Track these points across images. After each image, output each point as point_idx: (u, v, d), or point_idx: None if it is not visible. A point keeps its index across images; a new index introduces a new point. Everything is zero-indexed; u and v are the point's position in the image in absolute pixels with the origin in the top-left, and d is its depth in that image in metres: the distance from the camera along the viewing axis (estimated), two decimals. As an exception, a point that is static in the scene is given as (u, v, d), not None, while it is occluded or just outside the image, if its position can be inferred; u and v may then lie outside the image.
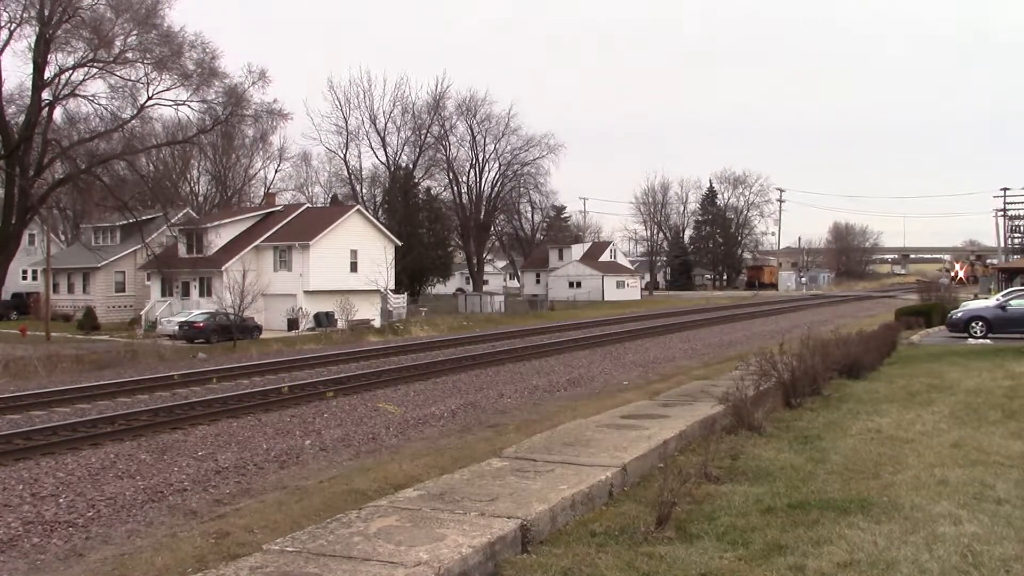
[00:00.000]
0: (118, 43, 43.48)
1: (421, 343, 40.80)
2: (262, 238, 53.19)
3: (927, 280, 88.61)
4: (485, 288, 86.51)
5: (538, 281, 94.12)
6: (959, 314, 29.29)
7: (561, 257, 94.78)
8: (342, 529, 6.02)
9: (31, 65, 42.55)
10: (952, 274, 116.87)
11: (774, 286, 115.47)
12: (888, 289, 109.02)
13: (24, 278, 67.52)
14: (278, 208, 59.22)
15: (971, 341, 26.43)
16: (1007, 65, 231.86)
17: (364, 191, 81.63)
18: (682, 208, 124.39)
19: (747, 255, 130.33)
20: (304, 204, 65.95)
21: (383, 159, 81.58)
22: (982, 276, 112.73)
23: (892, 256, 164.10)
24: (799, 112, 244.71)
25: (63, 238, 73.59)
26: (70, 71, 43.21)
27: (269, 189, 78.85)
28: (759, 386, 12.09)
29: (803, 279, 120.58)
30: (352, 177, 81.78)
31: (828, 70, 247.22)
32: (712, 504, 7.08)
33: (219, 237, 53.91)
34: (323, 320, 49.71)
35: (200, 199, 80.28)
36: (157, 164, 70.25)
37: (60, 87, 43.49)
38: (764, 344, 16.74)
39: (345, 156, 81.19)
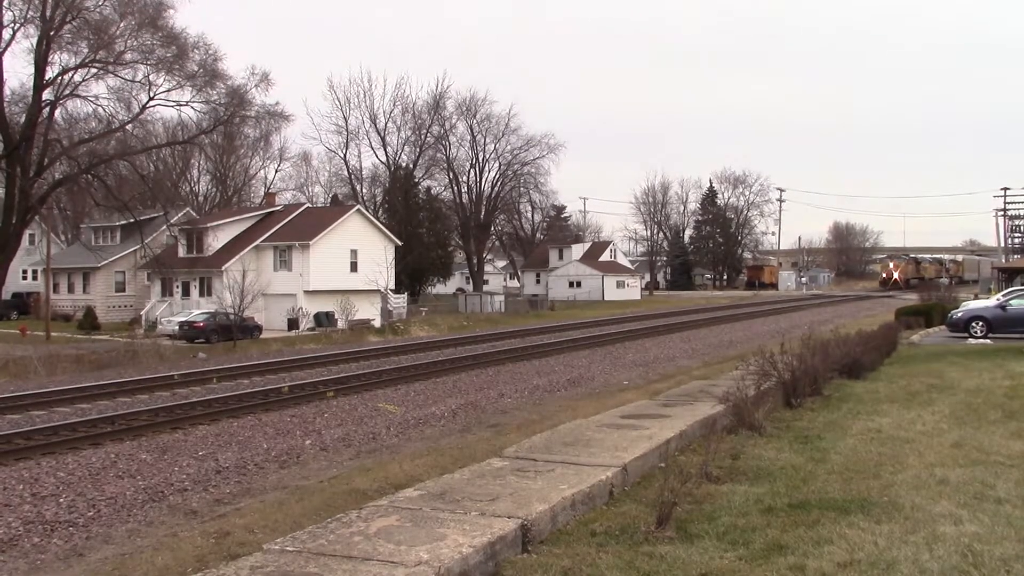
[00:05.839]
0: (120, 44, 43.49)
1: (421, 343, 40.81)
2: (262, 238, 53.19)
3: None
4: (485, 288, 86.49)
5: (538, 281, 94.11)
6: (959, 314, 29.28)
7: (561, 257, 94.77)
8: (342, 529, 6.02)
9: (32, 65, 42.61)
10: (885, 275, 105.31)
11: (774, 286, 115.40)
12: (888, 289, 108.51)
13: (24, 278, 67.53)
14: (278, 208, 59.23)
15: (971, 341, 26.41)
16: (1007, 66, 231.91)
17: (364, 191, 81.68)
18: (682, 208, 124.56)
19: (747, 255, 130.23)
20: (304, 204, 65.95)
21: (383, 159, 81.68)
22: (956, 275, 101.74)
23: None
24: (799, 112, 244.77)
25: (63, 238, 73.56)
26: (72, 71, 43.25)
27: (269, 189, 78.91)
28: (759, 386, 12.09)
29: (803, 279, 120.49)
30: (352, 177, 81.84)
31: (828, 70, 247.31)
32: (712, 504, 7.08)
33: (219, 237, 53.93)
34: (323, 320, 49.72)
35: (200, 199, 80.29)
36: (157, 164, 70.28)
37: (62, 87, 43.50)
38: (764, 344, 16.72)
39: (345, 156, 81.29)
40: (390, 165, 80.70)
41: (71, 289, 58.88)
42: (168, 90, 45.61)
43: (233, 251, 52.16)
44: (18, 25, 41.68)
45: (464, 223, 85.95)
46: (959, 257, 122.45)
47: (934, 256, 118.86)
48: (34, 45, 42.09)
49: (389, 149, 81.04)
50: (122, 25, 43.73)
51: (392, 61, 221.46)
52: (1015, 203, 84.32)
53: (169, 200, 60.25)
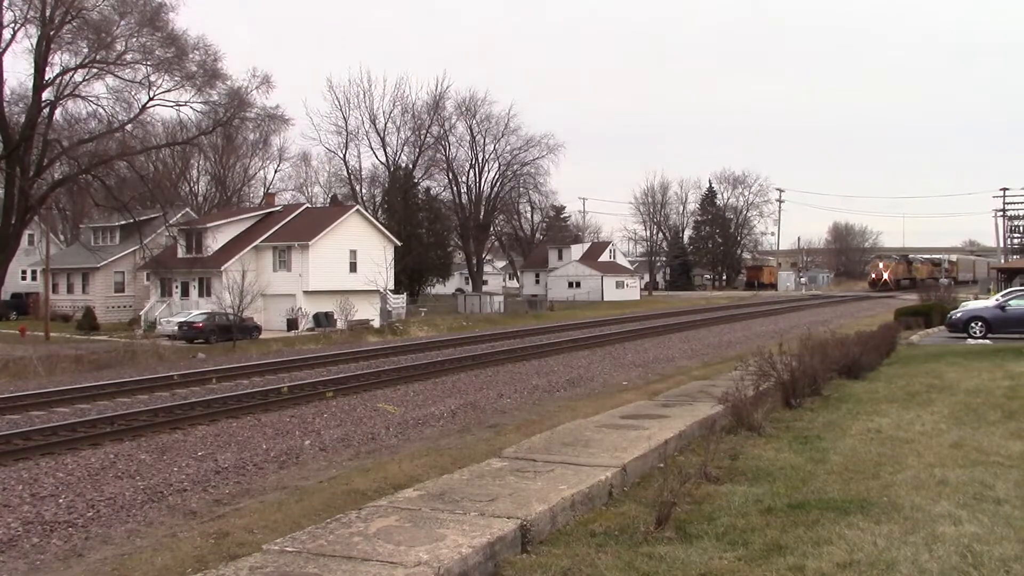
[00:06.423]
0: (120, 44, 43.55)
1: (420, 343, 40.79)
2: (261, 238, 53.19)
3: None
4: (484, 288, 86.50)
5: (537, 281, 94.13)
6: (958, 314, 29.31)
7: (560, 257, 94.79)
8: (342, 529, 6.02)
9: (32, 65, 42.63)
10: (874, 276, 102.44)
11: (773, 286, 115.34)
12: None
13: (24, 278, 67.53)
14: (277, 208, 59.23)
15: (970, 341, 26.43)
16: (1007, 66, 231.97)
17: (364, 191, 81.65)
18: (681, 208, 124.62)
19: (746, 255, 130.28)
20: (303, 204, 65.92)
21: (383, 159, 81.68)
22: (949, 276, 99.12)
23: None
24: (799, 112, 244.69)
25: (63, 238, 73.59)
26: (72, 72, 43.27)
27: (268, 189, 78.99)
28: (758, 386, 12.10)
29: (802, 279, 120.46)
30: (352, 177, 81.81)
31: (828, 70, 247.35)
32: (712, 504, 7.08)
33: (218, 238, 53.93)
34: (322, 320, 49.71)
35: (200, 199, 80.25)
36: (157, 164, 70.24)
37: (62, 87, 43.51)
38: (763, 344, 16.74)
39: (345, 156, 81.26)
40: (389, 165, 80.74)
41: (70, 289, 58.88)
42: (168, 90, 45.74)
43: (232, 251, 52.15)
44: (18, 25, 41.80)
45: (463, 223, 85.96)
46: (954, 257, 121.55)
47: (927, 256, 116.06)
48: (34, 45, 42.18)
49: (389, 149, 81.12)
50: (122, 25, 43.82)
51: (392, 61, 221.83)
52: (1014, 203, 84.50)
53: (168, 200, 60.18)
